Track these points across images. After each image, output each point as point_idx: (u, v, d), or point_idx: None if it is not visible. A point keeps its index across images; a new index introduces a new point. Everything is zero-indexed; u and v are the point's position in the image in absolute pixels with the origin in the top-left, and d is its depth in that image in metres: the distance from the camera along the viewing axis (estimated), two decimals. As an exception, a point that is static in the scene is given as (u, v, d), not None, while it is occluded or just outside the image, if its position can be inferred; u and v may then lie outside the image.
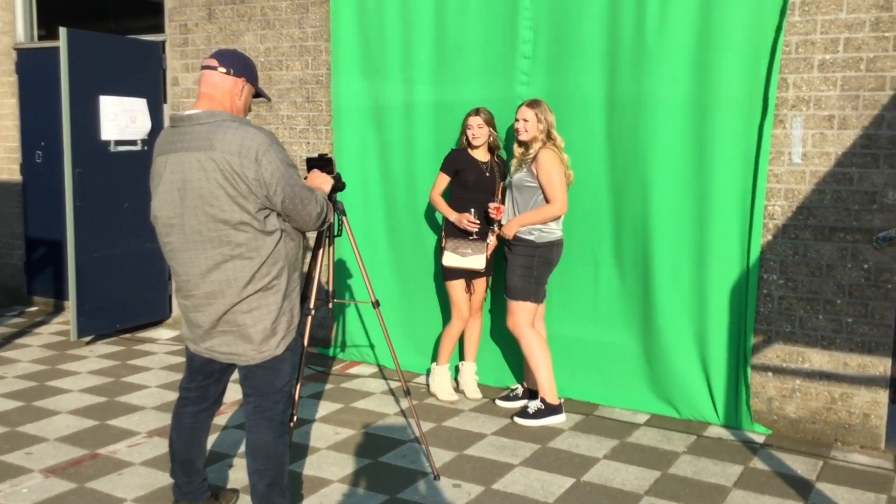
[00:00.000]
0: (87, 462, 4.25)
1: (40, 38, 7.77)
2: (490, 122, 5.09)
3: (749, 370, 4.80)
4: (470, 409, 5.16)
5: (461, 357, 5.49)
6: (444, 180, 5.19)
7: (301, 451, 4.40)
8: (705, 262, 4.84)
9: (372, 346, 6.10)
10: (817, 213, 4.64)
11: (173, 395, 5.25)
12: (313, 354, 6.23)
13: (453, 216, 5.09)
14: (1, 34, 7.66)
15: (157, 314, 7.16)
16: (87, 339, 6.63)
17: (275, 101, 6.41)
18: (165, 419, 4.83)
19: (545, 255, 4.91)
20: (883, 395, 4.56)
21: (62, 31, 6.16)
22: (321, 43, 6.17)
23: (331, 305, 4.26)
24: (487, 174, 5.13)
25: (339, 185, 3.87)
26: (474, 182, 5.10)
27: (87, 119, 6.41)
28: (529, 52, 5.24)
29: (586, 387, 5.28)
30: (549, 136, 4.88)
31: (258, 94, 3.28)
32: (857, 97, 4.49)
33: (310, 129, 6.31)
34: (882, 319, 4.52)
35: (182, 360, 6.10)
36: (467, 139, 5.13)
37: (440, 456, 4.36)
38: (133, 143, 6.79)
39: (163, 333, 6.94)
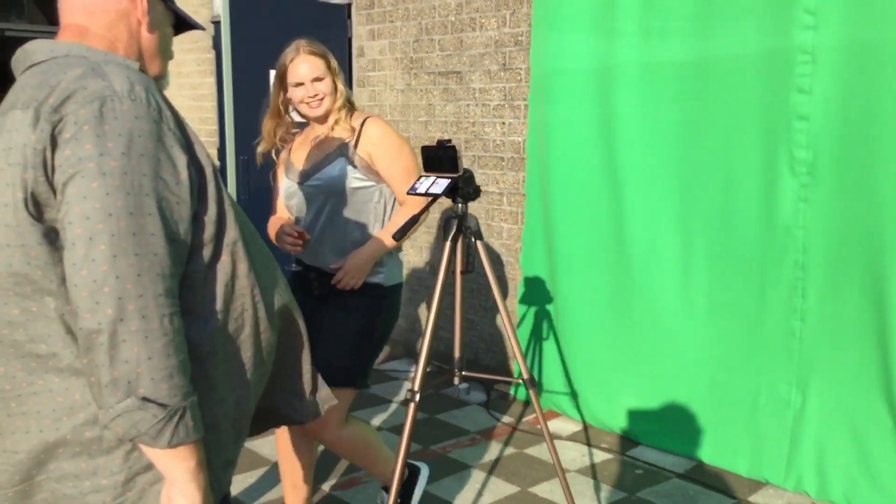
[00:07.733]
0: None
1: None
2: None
3: None
4: None
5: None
6: None
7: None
8: None
9: (574, 395, 4.56)
10: None
11: None
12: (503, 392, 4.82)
13: None
14: (200, 6, 7.00)
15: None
16: None
17: (465, 72, 5.01)
18: None
19: (395, 304, 2.96)
20: None
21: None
22: (525, -8, 4.68)
23: (457, 381, 2.75)
24: None
25: (467, 192, 2.40)
26: None
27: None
28: (817, -21, 3.38)
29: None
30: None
31: (181, 22, 1.68)
32: None
33: (506, 105, 4.86)
34: None
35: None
36: None
37: None
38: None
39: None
